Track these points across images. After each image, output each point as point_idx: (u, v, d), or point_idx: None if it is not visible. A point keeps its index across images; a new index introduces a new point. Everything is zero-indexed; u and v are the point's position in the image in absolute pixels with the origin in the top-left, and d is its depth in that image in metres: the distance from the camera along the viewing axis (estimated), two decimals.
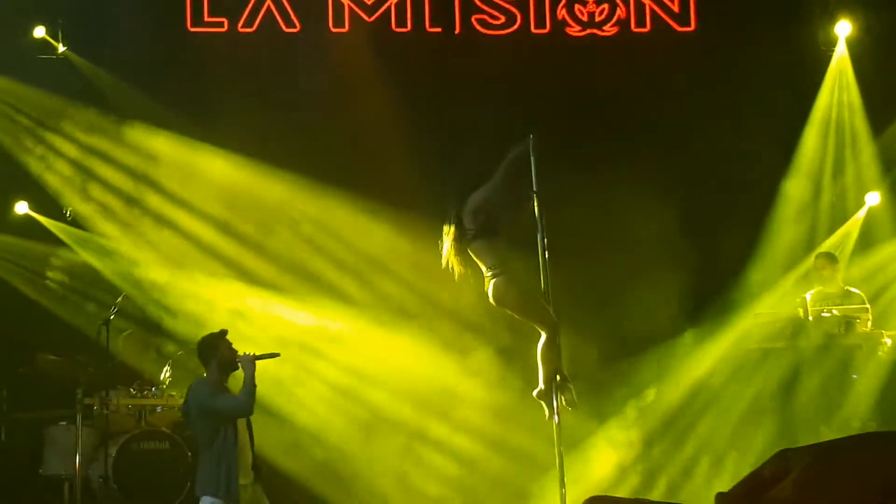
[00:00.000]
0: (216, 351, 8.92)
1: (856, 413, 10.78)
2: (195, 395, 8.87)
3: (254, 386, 8.75)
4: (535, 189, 8.78)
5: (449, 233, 8.55)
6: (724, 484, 10.17)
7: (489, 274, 8.47)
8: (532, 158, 8.81)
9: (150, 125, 12.19)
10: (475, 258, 8.57)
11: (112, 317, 11.36)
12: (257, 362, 8.83)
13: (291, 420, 11.43)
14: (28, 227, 12.34)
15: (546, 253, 8.53)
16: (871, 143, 12.75)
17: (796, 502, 0.86)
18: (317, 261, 12.26)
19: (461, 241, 8.51)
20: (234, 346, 8.95)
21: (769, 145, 12.41)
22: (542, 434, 9.68)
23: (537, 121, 10.09)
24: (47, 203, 12.27)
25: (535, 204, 8.70)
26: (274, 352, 9.11)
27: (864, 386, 10.95)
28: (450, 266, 8.61)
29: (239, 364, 8.83)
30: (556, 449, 8.51)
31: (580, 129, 11.84)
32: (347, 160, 11.93)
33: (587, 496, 8.92)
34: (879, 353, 11.13)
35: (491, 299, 8.58)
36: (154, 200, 12.28)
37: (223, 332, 9.06)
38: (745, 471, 8.51)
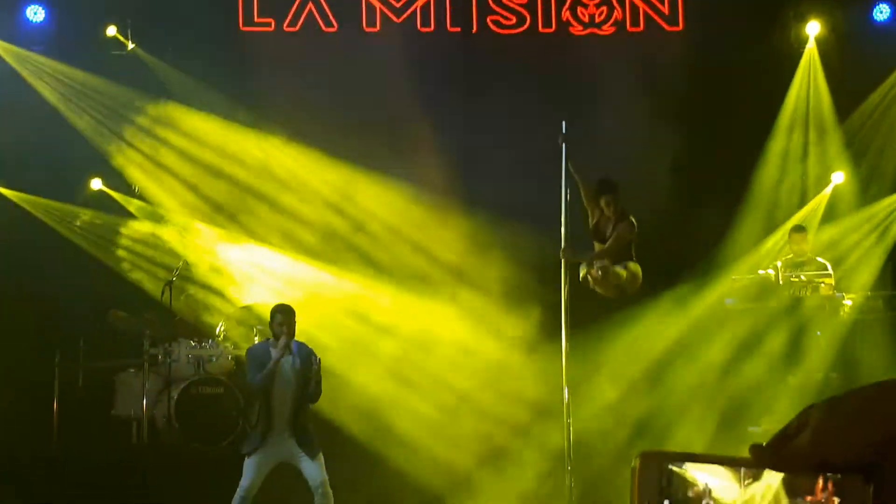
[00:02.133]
0: (272, 320, 8.80)
1: (819, 365, 10.86)
2: (246, 356, 8.97)
3: (270, 370, 8.55)
4: (564, 166, 8.96)
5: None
6: (708, 428, 10.31)
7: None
8: (562, 143, 8.96)
9: (207, 112, 12.21)
10: None
11: (174, 279, 11.47)
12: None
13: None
14: (102, 201, 12.39)
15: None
16: (837, 129, 12.70)
17: (811, 452, 0.91)
18: (351, 233, 12.24)
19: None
20: (284, 326, 8.65)
21: (747, 129, 12.39)
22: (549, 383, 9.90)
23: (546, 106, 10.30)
24: (119, 180, 12.33)
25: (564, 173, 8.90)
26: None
27: (826, 341, 11.00)
28: None
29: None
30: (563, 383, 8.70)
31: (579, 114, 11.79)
32: (380, 144, 11.85)
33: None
34: (840, 313, 11.23)
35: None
36: (209, 179, 12.31)
37: (280, 308, 8.88)
38: (721, 417, 8.32)
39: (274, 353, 8.62)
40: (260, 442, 8.55)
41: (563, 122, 8.94)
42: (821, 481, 1.09)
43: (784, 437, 1.07)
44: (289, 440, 8.61)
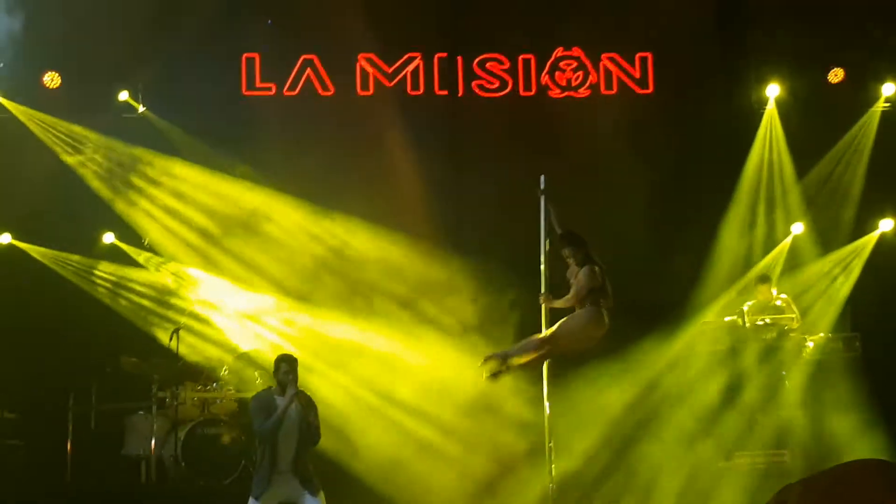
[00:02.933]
0: (277, 370, 8.84)
1: (784, 403, 11.03)
2: (250, 406, 8.97)
3: (278, 418, 8.60)
4: (543, 216, 9.11)
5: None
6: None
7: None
8: (542, 197, 9.13)
9: (212, 169, 12.33)
10: None
11: (181, 327, 11.58)
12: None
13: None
14: (114, 254, 12.46)
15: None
16: (796, 184, 12.81)
17: None
18: (342, 281, 12.27)
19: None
20: (290, 374, 8.71)
21: (713, 184, 12.53)
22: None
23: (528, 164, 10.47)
24: (129, 233, 12.41)
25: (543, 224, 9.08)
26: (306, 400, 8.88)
27: (792, 381, 11.17)
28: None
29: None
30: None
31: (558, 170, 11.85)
32: (372, 196, 11.99)
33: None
34: (804, 354, 11.45)
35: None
36: (215, 231, 12.40)
37: (286, 357, 8.90)
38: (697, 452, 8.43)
39: (280, 401, 8.71)
40: (267, 484, 8.65)
41: (542, 177, 9.12)
42: None
43: None
44: (293, 481, 8.69)
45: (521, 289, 9.62)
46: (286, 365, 8.85)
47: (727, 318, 11.77)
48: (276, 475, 8.69)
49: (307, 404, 8.88)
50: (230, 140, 12.31)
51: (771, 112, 12.91)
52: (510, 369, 8.70)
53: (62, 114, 12.26)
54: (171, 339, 11.35)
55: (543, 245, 9.16)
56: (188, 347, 11.77)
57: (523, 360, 8.71)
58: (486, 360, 8.75)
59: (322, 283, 12.28)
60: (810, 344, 11.53)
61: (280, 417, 8.67)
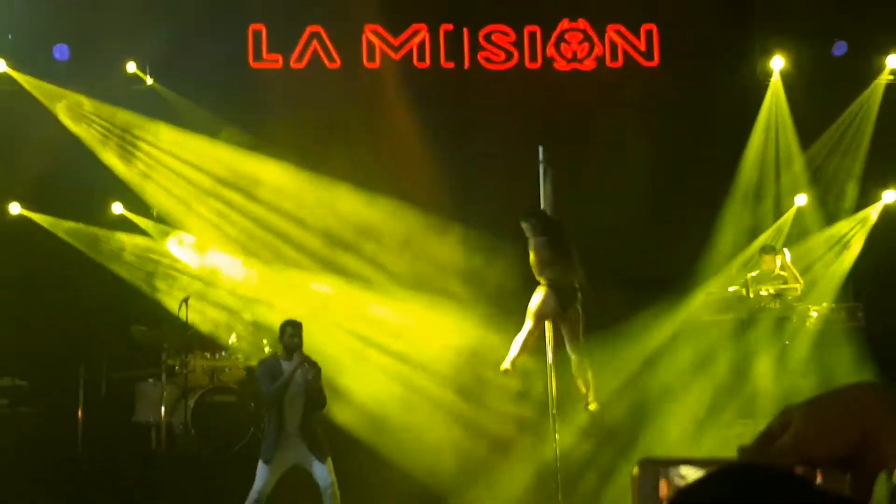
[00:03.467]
0: (282, 334, 9.04)
1: (788, 372, 11.04)
2: (257, 371, 9.11)
3: (284, 383, 8.74)
4: (542, 186, 9.17)
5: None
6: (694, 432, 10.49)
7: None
8: (541, 166, 9.16)
9: (219, 140, 12.36)
10: None
11: (190, 296, 11.62)
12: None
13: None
14: (123, 224, 12.54)
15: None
16: (801, 155, 12.84)
17: (794, 451, 0.98)
18: (349, 251, 12.29)
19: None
20: (296, 338, 8.92)
21: (718, 156, 12.57)
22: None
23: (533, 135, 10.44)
24: (138, 204, 12.48)
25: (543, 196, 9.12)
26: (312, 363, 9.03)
27: (794, 349, 11.22)
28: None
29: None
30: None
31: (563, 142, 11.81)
32: (379, 167, 11.99)
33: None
34: (807, 323, 11.50)
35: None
36: (219, 201, 12.43)
37: (291, 322, 9.05)
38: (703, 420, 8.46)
39: (286, 365, 8.86)
40: (275, 449, 8.79)
41: (541, 147, 9.16)
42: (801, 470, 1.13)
43: (767, 438, 1.10)
44: (300, 445, 8.85)
45: (525, 260, 9.65)
46: (291, 329, 8.99)
47: (731, 289, 11.77)
48: (283, 440, 8.84)
49: (312, 368, 8.98)
50: (238, 111, 12.30)
51: (776, 84, 12.88)
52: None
53: (71, 85, 12.26)
54: (179, 307, 11.41)
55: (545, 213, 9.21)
56: (197, 314, 11.84)
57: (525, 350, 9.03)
58: (505, 371, 9.02)
59: (330, 254, 12.29)
60: (814, 314, 11.56)
61: (286, 381, 8.79)
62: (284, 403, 8.86)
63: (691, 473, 1.10)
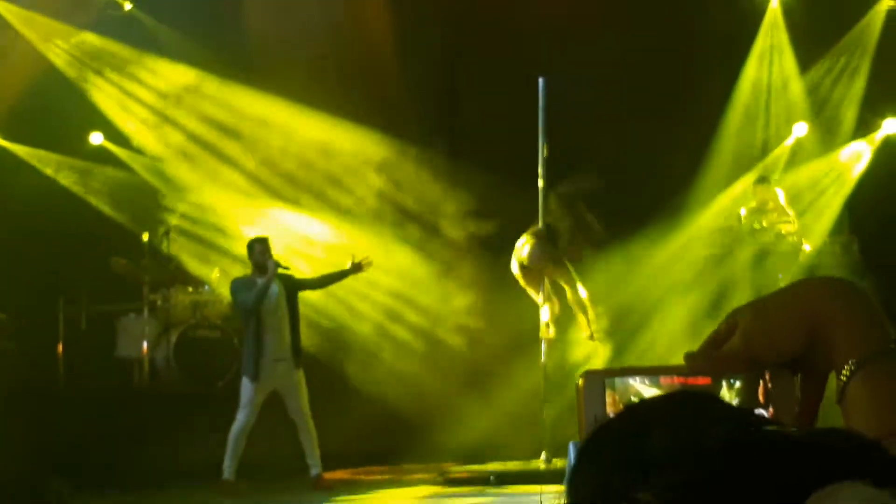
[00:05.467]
0: (251, 253, 8.95)
1: None
2: (230, 289, 9.03)
3: (264, 287, 8.68)
4: (542, 126, 8.96)
5: None
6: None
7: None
8: (541, 98, 8.92)
9: (197, 68, 12.05)
10: None
11: (172, 228, 11.51)
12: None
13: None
14: (102, 155, 12.25)
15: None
16: (800, 80, 12.55)
17: (742, 353, 0.90)
18: (332, 184, 12.10)
19: None
20: (266, 253, 8.84)
21: (714, 80, 12.23)
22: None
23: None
24: (117, 134, 12.16)
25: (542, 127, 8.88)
26: (286, 266, 9.07)
27: (786, 283, 11.15)
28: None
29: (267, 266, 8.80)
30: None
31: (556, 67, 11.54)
32: (366, 96, 11.67)
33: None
34: (800, 258, 11.28)
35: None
36: (200, 131, 12.15)
37: (261, 239, 9.02)
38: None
39: (260, 280, 8.75)
40: (257, 366, 8.73)
41: (541, 79, 8.88)
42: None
43: (714, 342, 1.07)
44: (285, 363, 8.85)
45: (524, 198, 9.45)
46: (259, 245, 8.90)
47: (723, 222, 11.55)
48: (264, 360, 8.80)
49: (286, 279, 8.95)
50: (219, 40, 11.94)
51: (774, 11, 12.57)
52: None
53: (45, 11, 11.90)
54: (161, 240, 11.30)
55: (541, 150, 9.02)
56: (179, 248, 11.71)
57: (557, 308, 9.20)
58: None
59: (312, 186, 12.08)
60: (807, 247, 11.31)
61: (264, 287, 8.70)
62: (265, 325, 8.79)
63: (636, 381, 1.08)
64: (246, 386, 8.76)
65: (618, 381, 1.09)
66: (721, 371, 1.07)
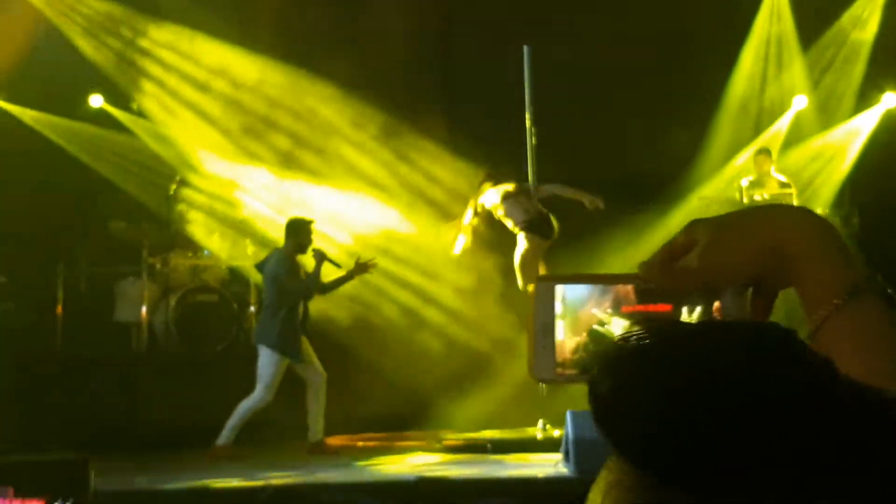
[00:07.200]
0: (299, 233, 8.93)
1: None
2: (274, 264, 8.86)
3: (318, 276, 8.76)
4: (528, 98, 8.86)
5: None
6: None
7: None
8: (526, 67, 8.81)
9: (194, 29, 11.86)
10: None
11: (172, 192, 11.41)
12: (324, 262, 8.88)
13: None
14: (102, 118, 12.08)
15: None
16: (801, 55, 12.46)
17: (700, 269, 0.86)
18: (328, 151, 11.98)
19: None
20: (311, 237, 8.95)
21: (716, 50, 12.04)
22: None
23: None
24: (117, 97, 12.04)
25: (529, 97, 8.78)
26: (339, 262, 9.06)
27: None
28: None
29: (311, 253, 8.87)
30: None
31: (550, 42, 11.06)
32: (364, 60, 11.51)
33: None
34: None
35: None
36: (198, 94, 12.02)
37: (308, 220, 9.06)
38: None
39: (316, 261, 8.85)
40: (296, 350, 8.77)
41: (525, 47, 8.78)
42: None
43: (670, 253, 1.03)
44: (303, 339, 8.90)
45: (511, 164, 9.37)
46: (306, 227, 8.98)
47: (725, 194, 11.47)
48: (298, 336, 8.83)
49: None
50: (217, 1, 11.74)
51: None
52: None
53: None
54: (162, 204, 11.23)
55: (529, 131, 8.97)
56: (179, 214, 11.57)
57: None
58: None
59: (309, 153, 11.96)
60: None
61: (318, 275, 8.80)
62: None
63: (604, 318, 1.06)
64: (273, 364, 8.69)
65: (580, 310, 1.06)
66: (674, 284, 1.04)
